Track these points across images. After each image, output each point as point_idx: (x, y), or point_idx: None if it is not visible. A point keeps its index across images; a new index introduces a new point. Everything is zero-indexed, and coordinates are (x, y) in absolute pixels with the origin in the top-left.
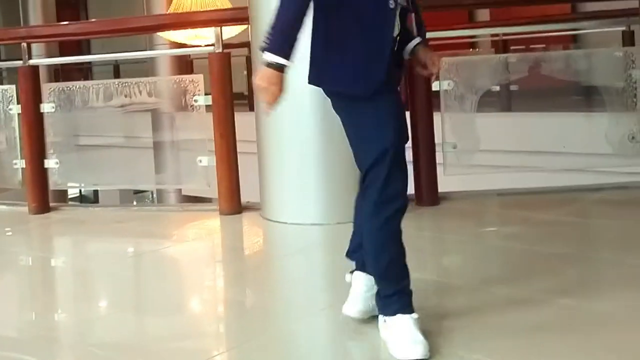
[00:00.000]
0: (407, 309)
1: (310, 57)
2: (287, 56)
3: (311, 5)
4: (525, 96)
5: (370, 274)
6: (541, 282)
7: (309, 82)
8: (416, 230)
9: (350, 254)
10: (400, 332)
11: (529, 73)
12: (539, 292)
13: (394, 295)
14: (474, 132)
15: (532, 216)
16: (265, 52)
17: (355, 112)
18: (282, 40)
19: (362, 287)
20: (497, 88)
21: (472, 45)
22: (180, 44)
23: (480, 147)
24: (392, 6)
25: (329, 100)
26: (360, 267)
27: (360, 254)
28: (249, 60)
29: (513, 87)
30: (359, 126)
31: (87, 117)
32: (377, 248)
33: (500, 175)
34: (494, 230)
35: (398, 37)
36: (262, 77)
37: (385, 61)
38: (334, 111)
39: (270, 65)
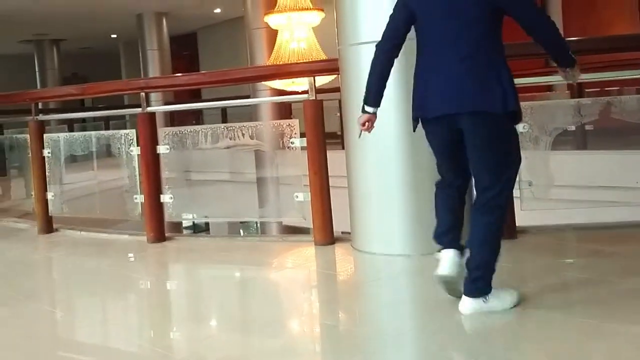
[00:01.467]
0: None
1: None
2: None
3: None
4: (600, 135)
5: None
6: (614, 311)
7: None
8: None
9: (439, 237)
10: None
11: (601, 116)
12: (610, 320)
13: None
14: (548, 170)
15: (605, 249)
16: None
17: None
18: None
19: (453, 254)
20: (573, 127)
21: (549, 88)
22: (278, 90)
23: (554, 184)
24: None
25: (412, 136)
26: (449, 245)
27: (449, 237)
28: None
29: (588, 127)
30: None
31: (197, 156)
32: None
33: (575, 210)
34: (569, 262)
35: None
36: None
37: None
38: (417, 151)
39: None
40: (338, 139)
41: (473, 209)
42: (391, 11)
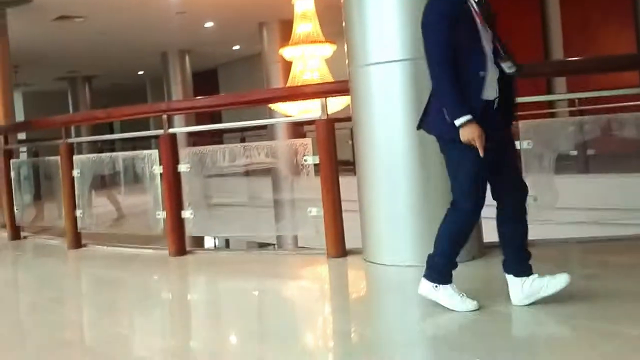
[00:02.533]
0: None
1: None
2: (467, 112)
3: None
4: (600, 159)
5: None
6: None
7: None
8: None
9: None
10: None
11: (602, 134)
12: (613, 323)
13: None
14: (552, 186)
15: (611, 260)
16: (454, 120)
17: None
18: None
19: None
20: (575, 152)
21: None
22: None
23: (558, 201)
24: None
25: (421, 153)
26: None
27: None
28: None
29: (590, 152)
30: None
31: (219, 182)
32: None
33: (579, 226)
34: (575, 272)
35: None
36: (465, 136)
37: None
38: (424, 166)
39: (463, 125)
40: (351, 165)
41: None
42: (399, 34)
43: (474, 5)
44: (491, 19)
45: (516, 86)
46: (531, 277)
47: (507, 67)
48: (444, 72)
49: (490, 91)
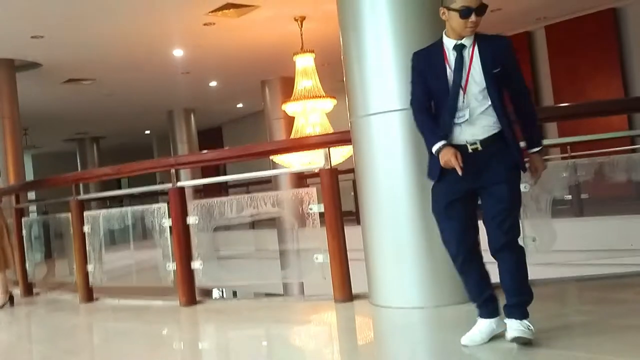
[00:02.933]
0: None
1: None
2: (440, 139)
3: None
4: (594, 204)
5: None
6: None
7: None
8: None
9: None
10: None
11: (595, 176)
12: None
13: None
14: (550, 227)
15: (608, 296)
16: (432, 150)
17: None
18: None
19: None
20: (570, 197)
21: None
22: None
23: (556, 241)
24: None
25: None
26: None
27: None
28: (354, 183)
29: (584, 196)
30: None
31: (226, 236)
32: None
33: (577, 267)
34: (576, 308)
35: None
36: (442, 160)
37: None
38: (425, 211)
39: (439, 152)
40: (353, 216)
41: None
42: (398, 84)
43: (448, 55)
44: (488, 65)
45: (507, 129)
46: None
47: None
48: (415, 116)
49: (459, 135)
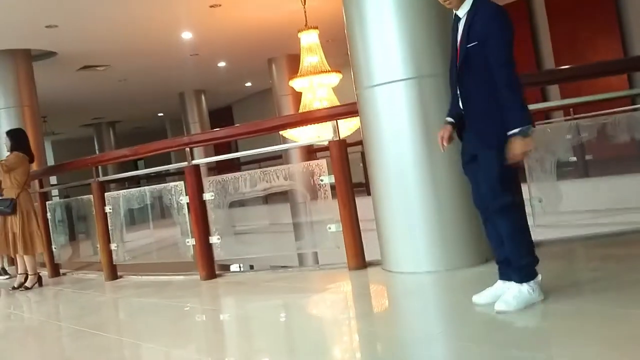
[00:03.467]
0: None
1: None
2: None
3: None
4: (599, 164)
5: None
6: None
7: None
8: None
9: None
10: None
11: (598, 136)
12: (621, 307)
13: None
14: (556, 189)
15: (615, 253)
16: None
17: None
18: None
19: None
20: (574, 159)
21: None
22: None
23: (562, 202)
24: None
25: (430, 165)
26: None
27: None
28: (363, 155)
29: (588, 157)
30: None
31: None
32: None
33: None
34: (583, 265)
35: None
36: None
37: None
38: (433, 177)
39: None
40: (363, 187)
41: None
42: (400, 55)
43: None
44: (465, 39)
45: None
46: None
47: None
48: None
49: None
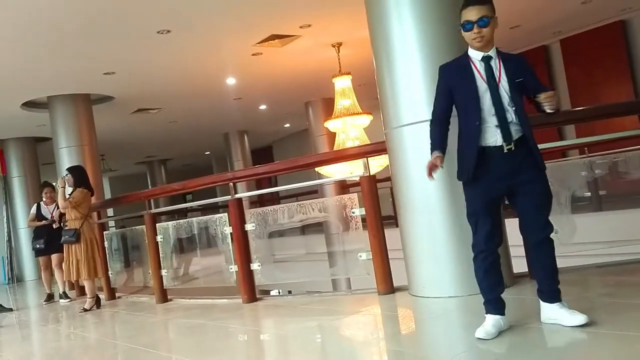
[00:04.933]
0: None
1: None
2: (435, 149)
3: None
4: (611, 199)
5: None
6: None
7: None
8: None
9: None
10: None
11: (610, 172)
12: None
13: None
14: (570, 221)
15: (628, 280)
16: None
17: None
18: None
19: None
20: (589, 194)
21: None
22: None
23: (576, 234)
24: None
25: (454, 199)
26: None
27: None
28: (392, 190)
29: (602, 192)
30: None
31: (280, 242)
32: None
33: (595, 257)
34: (597, 291)
35: None
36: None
37: None
38: (456, 210)
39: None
40: (392, 220)
41: None
42: (425, 98)
43: (477, 64)
44: (512, 75)
45: (529, 134)
46: (557, 304)
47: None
48: (431, 127)
49: (491, 137)
